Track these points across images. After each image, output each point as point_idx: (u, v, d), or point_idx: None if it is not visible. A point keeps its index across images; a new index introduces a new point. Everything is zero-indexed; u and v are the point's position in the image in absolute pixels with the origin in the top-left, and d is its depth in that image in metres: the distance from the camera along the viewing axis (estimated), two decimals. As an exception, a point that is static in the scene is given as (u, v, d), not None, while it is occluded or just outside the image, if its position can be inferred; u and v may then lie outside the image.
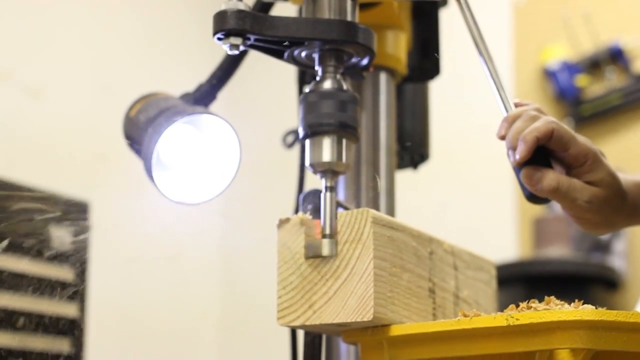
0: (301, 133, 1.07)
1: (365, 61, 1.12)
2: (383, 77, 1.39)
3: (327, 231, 1.03)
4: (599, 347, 0.95)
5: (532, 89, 3.43)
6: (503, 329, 0.95)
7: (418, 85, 1.50)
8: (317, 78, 1.09)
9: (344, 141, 1.06)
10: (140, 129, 1.27)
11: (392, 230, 1.06)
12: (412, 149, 1.48)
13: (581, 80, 3.32)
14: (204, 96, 1.33)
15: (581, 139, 1.14)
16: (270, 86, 3.01)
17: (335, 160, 1.06)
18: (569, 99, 3.33)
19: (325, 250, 1.03)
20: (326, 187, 1.05)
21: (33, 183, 2.34)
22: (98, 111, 3.08)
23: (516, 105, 1.16)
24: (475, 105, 3.15)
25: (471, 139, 3.36)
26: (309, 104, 1.07)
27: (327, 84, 1.08)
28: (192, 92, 1.34)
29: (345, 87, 1.08)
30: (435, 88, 1.55)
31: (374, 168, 1.35)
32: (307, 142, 1.07)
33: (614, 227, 1.22)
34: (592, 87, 3.33)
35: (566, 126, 1.14)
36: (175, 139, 1.26)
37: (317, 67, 1.10)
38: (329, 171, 1.06)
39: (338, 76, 1.09)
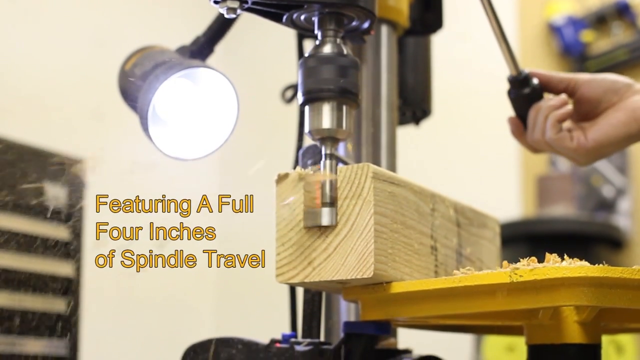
0: (300, 99, 1.05)
1: (366, 25, 1.09)
2: (384, 30, 1.36)
3: (327, 199, 1.01)
4: (603, 305, 0.94)
5: (536, 45, 3.40)
6: (506, 286, 0.93)
7: (420, 39, 1.47)
8: (317, 42, 1.06)
9: (344, 107, 1.03)
10: (135, 83, 1.25)
11: (393, 185, 1.04)
12: (414, 104, 1.46)
13: (587, 35, 3.28)
14: (201, 49, 1.30)
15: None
16: (269, 39, 2.98)
17: (335, 127, 1.03)
18: (574, 55, 3.30)
19: (325, 220, 1.01)
20: (326, 155, 1.02)
21: (27, 140, 2.32)
22: (92, 65, 3.06)
23: None
24: (479, 60, 3.12)
25: (474, 95, 3.33)
26: (308, 68, 1.04)
27: (327, 49, 1.05)
28: (188, 45, 1.31)
29: (345, 51, 1.05)
30: (438, 42, 1.52)
31: (375, 123, 1.33)
32: (307, 108, 1.04)
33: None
34: (598, 43, 3.29)
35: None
36: (172, 93, 1.23)
37: (316, 31, 1.06)
38: (329, 138, 1.03)
39: (338, 40, 1.05)
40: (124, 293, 3.21)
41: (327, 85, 1.03)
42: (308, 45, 1.28)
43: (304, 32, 1.14)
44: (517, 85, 1.33)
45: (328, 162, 1.02)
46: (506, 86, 1.38)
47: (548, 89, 1.35)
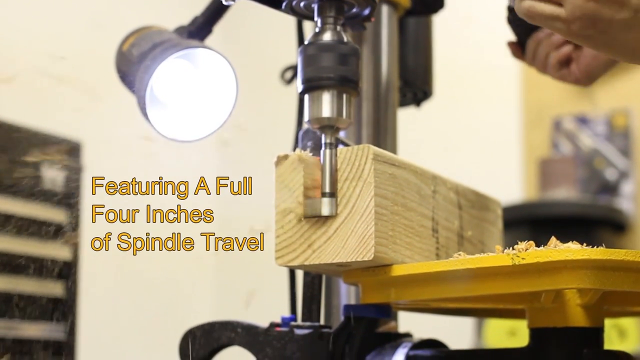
0: (300, 87, 1.03)
1: (366, 12, 1.08)
2: (385, 10, 1.35)
3: (327, 189, 1.00)
4: (606, 287, 0.93)
5: (539, 27, 3.37)
6: (508, 269, 0.92)
7: (421, 19, 1.46)
8: (317, 30, 1.05)
9: (344, 96, 1.02)
10: (133, 63, 1.24)
11: (393, 167, 1.03)
12: (415, 85, 1.45)
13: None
14: (199, 29, 1.29)
15: None
16: (268, 19, 2.95)
17: (335, 115, 1.02)
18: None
19: (325, 210, 0.99)
20: (326, 144, 1.01)
21: (23, 122, 2.31)
22: (89, 46, 3.04)
23: None
24: (481, 41, 3.10)
25: (476, 77, 3.31)
26: (308, 56, 1.03)
27: (327, 36, 1.03)
28: (186, 26, 1.30)
29: (345, 39, 1.04)
30: (439, 22, 1.50)
31: (375, 104, 1.32)
32: (306, 96, 1.03)
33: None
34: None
35: None
36: (170, 74, 1.22)
37: (316, 18, 1.05)
38: (329, 127, 1.02)
39: (338, 28, 1.04)
40: (122, 277, 3.21)
41: (327, 73, 1.02)
42: (308, 28, 1.27)
43: (303, 19, 1.13)
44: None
45: (328, 151, 1.01)
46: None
47: None
